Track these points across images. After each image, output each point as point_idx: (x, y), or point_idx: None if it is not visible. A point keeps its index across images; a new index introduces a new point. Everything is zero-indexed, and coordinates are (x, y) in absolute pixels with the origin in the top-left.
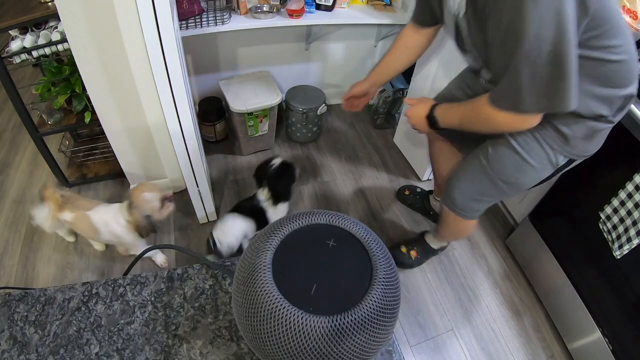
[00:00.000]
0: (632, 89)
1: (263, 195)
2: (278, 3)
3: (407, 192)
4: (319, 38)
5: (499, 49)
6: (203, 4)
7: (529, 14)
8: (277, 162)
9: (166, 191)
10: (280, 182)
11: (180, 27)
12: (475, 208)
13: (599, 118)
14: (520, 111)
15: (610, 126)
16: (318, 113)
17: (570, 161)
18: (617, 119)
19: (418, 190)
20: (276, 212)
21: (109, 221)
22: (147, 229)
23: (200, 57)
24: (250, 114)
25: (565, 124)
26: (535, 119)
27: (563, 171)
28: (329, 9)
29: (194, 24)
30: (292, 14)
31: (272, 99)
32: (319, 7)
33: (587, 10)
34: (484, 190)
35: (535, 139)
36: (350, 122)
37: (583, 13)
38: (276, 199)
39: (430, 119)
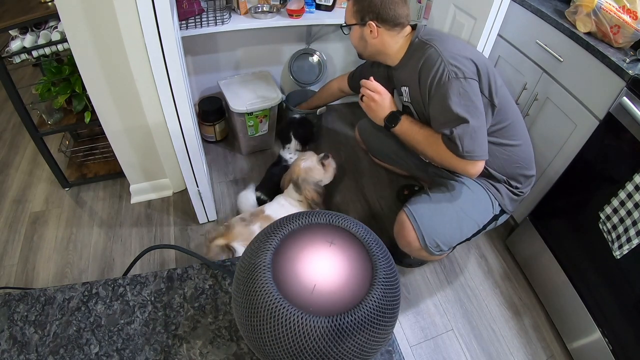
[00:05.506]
0: (532, 171)
1: (291, 148)
2: (278, 3)
3: (406, 192)
4: (319, 38)
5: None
6: (203, 4)
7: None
8: (296, 117)
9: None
10: (305, 127)
11: (180, 27)
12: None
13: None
14: (461, 156)
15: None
16: (317, 113)
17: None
18: (526, 192)
19: (416, 189)
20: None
21: (289, 210)
22: (320, 195)
23: (200, 57)
24: (250, 114)
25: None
26: (474, 166)
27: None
28: (329, 9)
29: (194, 24)
30: (292, 14)
31: (272, 99)
32: (319, 7)
33: (494, 107)
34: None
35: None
36: (350, 122)
37: (491, 109)
38: (305, 142)
39: (393, 117)
